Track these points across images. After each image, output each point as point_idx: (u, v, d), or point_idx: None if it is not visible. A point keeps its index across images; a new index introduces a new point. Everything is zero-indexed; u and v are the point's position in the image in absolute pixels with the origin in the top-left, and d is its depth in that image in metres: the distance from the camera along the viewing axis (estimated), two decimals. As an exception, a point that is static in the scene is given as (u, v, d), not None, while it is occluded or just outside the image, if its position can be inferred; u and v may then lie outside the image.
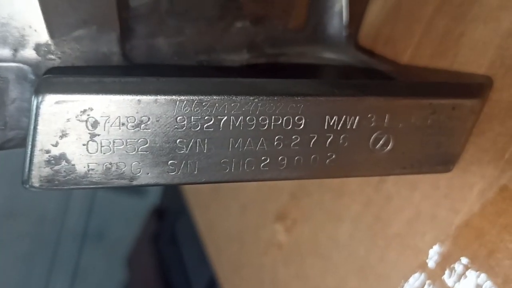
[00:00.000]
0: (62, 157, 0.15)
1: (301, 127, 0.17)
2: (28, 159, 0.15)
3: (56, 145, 0.15)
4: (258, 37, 0.23)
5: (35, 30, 0.17)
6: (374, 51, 0.26)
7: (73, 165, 0.15)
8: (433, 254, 0.22)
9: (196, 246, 0.48)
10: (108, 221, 0.86)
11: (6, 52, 0.17)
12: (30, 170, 0.15)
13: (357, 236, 0.27)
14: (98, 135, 0.15)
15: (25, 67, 0.18)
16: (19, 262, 0.82)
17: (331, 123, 0.17)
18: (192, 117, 0.16)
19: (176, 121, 0.16)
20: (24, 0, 0.17)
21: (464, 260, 0.21)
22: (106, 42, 0.19)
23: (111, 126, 0.15)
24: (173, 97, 0.15)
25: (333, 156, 0.18)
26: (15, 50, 0.17)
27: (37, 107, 0.14)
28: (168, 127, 0.16)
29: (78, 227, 0.85)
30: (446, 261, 0.21)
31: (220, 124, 0.16)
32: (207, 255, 0.46)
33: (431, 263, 0.22)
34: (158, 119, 0.15)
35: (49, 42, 0.18)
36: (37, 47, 0.17)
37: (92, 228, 0.86)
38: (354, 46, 0.26)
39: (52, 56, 0.18)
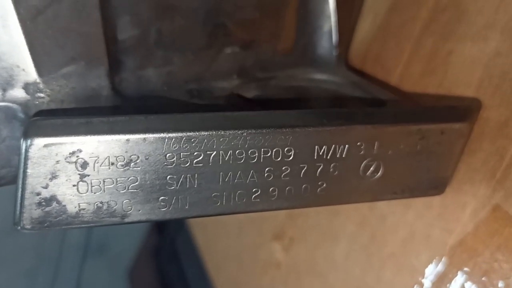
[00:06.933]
0: (52, 198, 0.15)
1: (291, 158, 0.17)
2: (19, 201, 0.15)
3: (46, 187, 0.15)
4: (247, 62, 0.23)
5: (23, 70, 0.17)
6: (364, 70, 0.26)
7: (64, 205, 0.15)
8: (429, 274, 0.22)
9: (196, 262, 0.48)
10: (109, 235, 0.86)
11: (-6, 92, 0.17)
12: (21, 212, 0.15)
13: (353, 256, 0.26)
14: (88, 175, 0.15)
15: (15, 106, 0.18)
16: (21, 277, 0.81)
17: (320, 153, 0.17)
18: (182, 154, 0.16)
19: (166, 158, 0.16)
20: (11, 41, 0.17)
21: (460, 280, 0.21)
22: (95, 77, 0.19)
23: (100, 166, 0.15)
24: (162, 135, 0.15)
25: (324, 185, 0.18)
26: (4, 90, 0.17)
27: (26, 151, 0.14)
28: (157, 165, 0.16)
29: (79, 241, 0.85)
30: (441, 281, 0.21)
31: (209, 159, 0.16)
32: (207, 272, 0.46)
33: (427, 283, 0.22)
34: (147, 157, 0.15)
35: (38, 80, 0.18)
36: (26, 86, 0.18)
37: (93, 242, 0.86)
38: (344, 66, 0.26)
39: (41, 94, 0.18)
